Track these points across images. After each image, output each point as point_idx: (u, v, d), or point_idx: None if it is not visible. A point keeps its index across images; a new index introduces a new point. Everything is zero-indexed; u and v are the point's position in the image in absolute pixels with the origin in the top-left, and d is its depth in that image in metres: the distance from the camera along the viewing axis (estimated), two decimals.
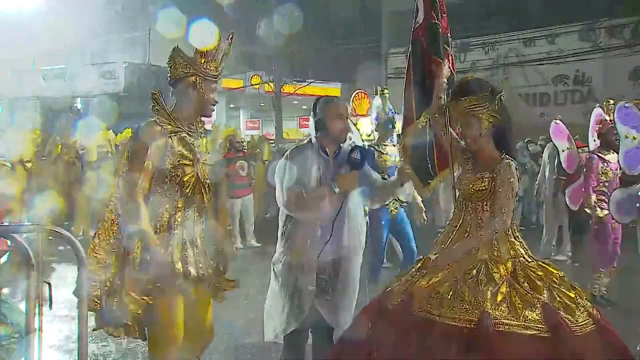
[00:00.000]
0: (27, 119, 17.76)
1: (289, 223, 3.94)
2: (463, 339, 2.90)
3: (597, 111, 6.77)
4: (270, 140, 20.23)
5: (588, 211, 6.47)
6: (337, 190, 3.77)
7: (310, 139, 4.01)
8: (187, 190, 3.32)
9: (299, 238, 3.87)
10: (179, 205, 3.33)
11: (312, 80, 22.89)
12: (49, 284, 3.11)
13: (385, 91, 6.72)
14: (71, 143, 12.46)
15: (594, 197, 6.31)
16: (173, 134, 3.32)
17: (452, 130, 3.53)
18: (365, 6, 22.06)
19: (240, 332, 5.40)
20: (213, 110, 3.54)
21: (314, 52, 21.25)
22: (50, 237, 3.18)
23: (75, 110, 21.64)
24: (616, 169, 6.43)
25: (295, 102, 24.72)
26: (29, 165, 11.21)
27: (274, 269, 4.01)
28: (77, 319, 3.04)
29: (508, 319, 2.91)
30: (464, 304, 2.98)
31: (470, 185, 3.26)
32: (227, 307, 5.84)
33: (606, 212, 6.26)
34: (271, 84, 21.88)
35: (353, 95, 14.68)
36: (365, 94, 14.42)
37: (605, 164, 6.36)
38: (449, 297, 3.03)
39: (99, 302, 3.21)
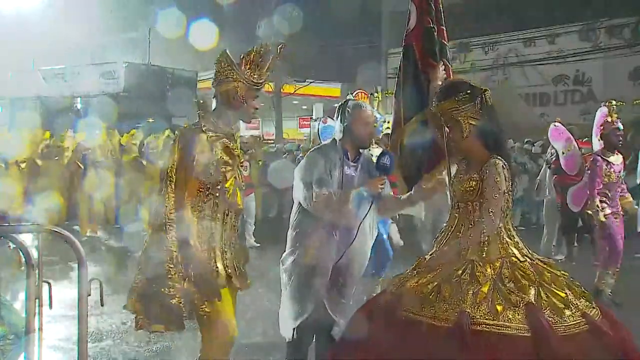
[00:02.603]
0: (27, 119, 17.79)
1: (305, 224, 3.92)
2: (441, 338, 2.91)
3: (603, 110, 6.71)
4: (270, 140, 20.25)
5: (589, 212, 6.45)
6: (365, 194, 3.78)
7: (334, 140, 4.02)
8: (228, 196, 3.35)
9: (316, 239, 3.86)
10: (220, 211, 3.34)
11: (312, 80, 22.90)
12: (49, 284, 3.11)
13: (376, 94, 6.71)
14: (74, 143, 12.48)
15: (597, 201, 6.27)
16: (217, 141, 3.34)
17: (447, 131, 3.53)
18: (365, 6, 22.09)
19: (240, 332, 5.39)
20: (253, 117, 3.53)
21: (314, 52, 21.25)
22: (48, 238, 3.18)
23: (76, 110, 21.66)
24: (619, 171, 6.39)
25: (295, 102, 24.72)
26: (23, 165, 11.23)
27: (282, 269, 4.01)
28: (77, 319, 3.04)
29: (487, 319, 2.91)
30: (444, 304, 2.99)
31: (460, 186, 3.27)
32: None
33: (609, 211, 6.25)
34: (271, 84, 21.87)
35: (353, 95, 14.72)
36: (365, 93, 14.47)
37: (609, 166, 6.29)
38: (431, 296, 3.04)
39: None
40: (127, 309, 3.37)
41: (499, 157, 3.20)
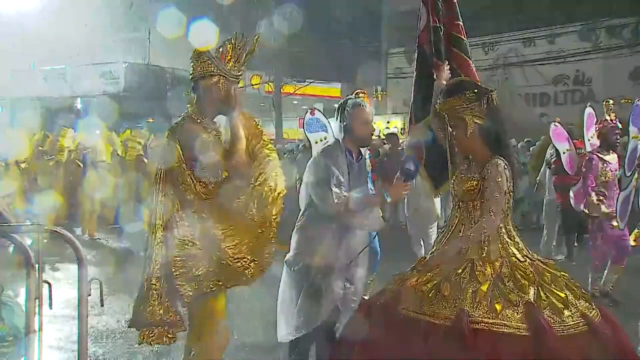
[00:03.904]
0: (27, 119, 17.78)
1: (314, 227, 3.90)
2: (440, 336, 2.93)
3: (589, 111, 6.77)
4: (270, 140, 20.21)
5: (586, 211, 6.43)
6: (389, 199, 3.77)
7: (337, 141, 4.04)
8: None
9: (328, 242, 3.84)
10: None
11: (312, 80, 22.90)
12: (49, 284, 3.11)
13: (374, 94, 6.73)
14: (74, 143, 12.48)
15: (594, 196, 6.27)
16: (209, 133, 3.35)
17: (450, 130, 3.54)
18: (365, 6, 22.08)
19: (240, 332, 5.39)
20: (232, 110, 3.52)
21: (314, 52, 21.25)
22: (48, 238, 3.18)
23: (76, 110, 21.66)
24: (615, 170, 6.40)
25: (295, 102, 24.73)
26: (23, 165, 11.23)
27: (287, 271, 4.00)
28: (77, 319, 3.04)
29: (486, 317, 2.93)
30: (443, 302, 3.02)
31: (461, 185, 3.28)
32: (227, 307, 5.84)
33: (607, 210, 6.25)
34: (271, 84, 21.88)
35: (353, 95, 14.69)
36: (365, 93, 14.45)
37: (605, 165, 6.31)
38: (430, 295, 3.07)
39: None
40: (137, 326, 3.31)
41: (500, 157, 3.21)
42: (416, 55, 4.13)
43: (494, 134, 3.27)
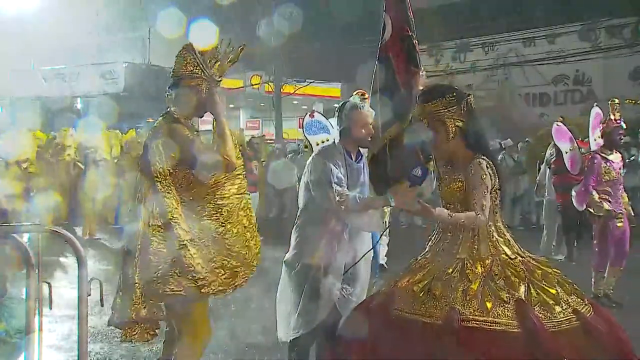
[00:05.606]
0: (27, 119, 17.78)
1: (313, 227, 3.90)
2: (433, 335, 2.95)
3: (596, 110, 6.75)
4: (270, 140, 20.24)
5: (590, 211, 6.42)
6: (393, 204, 3.78)
7: (334, 141, 4.05)
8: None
9: (326, 242, 3.85)
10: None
11: (312, 80, 22.88)
12: (49, 284, 3.12)
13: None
14: (75, 143, 12.48)
15: (595, 195, 6.27)
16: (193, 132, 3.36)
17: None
18: (366, 6, 22.07)
19: (240, 332, 5.40)
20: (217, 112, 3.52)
21: (314, 52, 21.23)
22: (48, 238, 3.18)
23: (76, 110, 21.66)
24: (619, 169, 6.39)
25: (295, 102, 24.70)
26: (25, 165, 11.23)
27: (287, 271, 4.00)
28: (77, 319, 3.04)
29: (477, 315, 2.95)
30: (435, 301, 3.05)
31: (447, 188, 3.31)
32: (227, 307, 5.86)
33: (609, 207, 6.24)
34: (271, 84, 21.86)
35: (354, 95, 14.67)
36: (365, 93, 14.45)
37: (608, 164, 6.30)
38: (422, 295, 3.09)
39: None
40: (119, 321, 3.29)
41: (482, 157, 3.23)
42: (379, 66, 4.16)
43: (475, 134, 3.30)
